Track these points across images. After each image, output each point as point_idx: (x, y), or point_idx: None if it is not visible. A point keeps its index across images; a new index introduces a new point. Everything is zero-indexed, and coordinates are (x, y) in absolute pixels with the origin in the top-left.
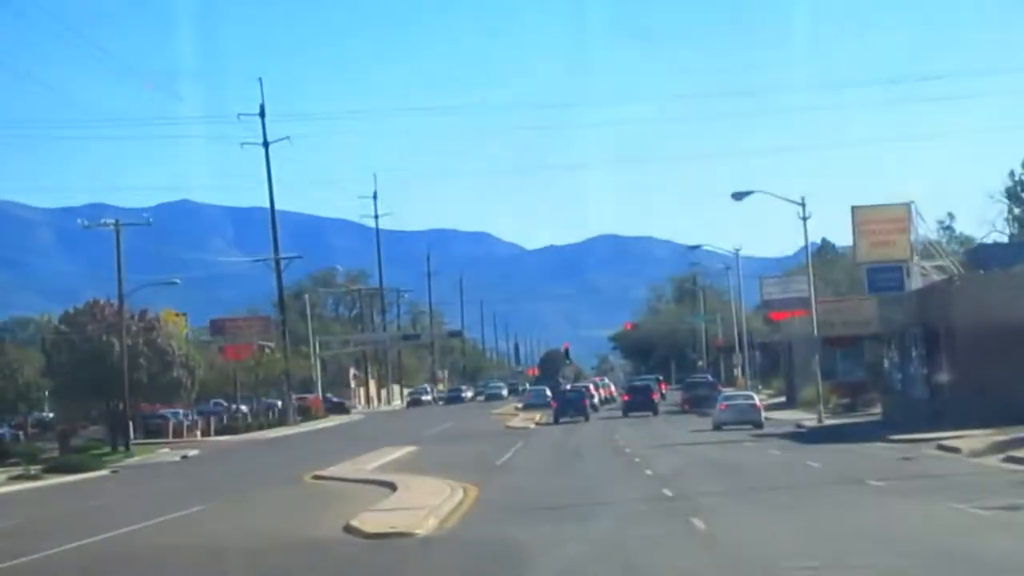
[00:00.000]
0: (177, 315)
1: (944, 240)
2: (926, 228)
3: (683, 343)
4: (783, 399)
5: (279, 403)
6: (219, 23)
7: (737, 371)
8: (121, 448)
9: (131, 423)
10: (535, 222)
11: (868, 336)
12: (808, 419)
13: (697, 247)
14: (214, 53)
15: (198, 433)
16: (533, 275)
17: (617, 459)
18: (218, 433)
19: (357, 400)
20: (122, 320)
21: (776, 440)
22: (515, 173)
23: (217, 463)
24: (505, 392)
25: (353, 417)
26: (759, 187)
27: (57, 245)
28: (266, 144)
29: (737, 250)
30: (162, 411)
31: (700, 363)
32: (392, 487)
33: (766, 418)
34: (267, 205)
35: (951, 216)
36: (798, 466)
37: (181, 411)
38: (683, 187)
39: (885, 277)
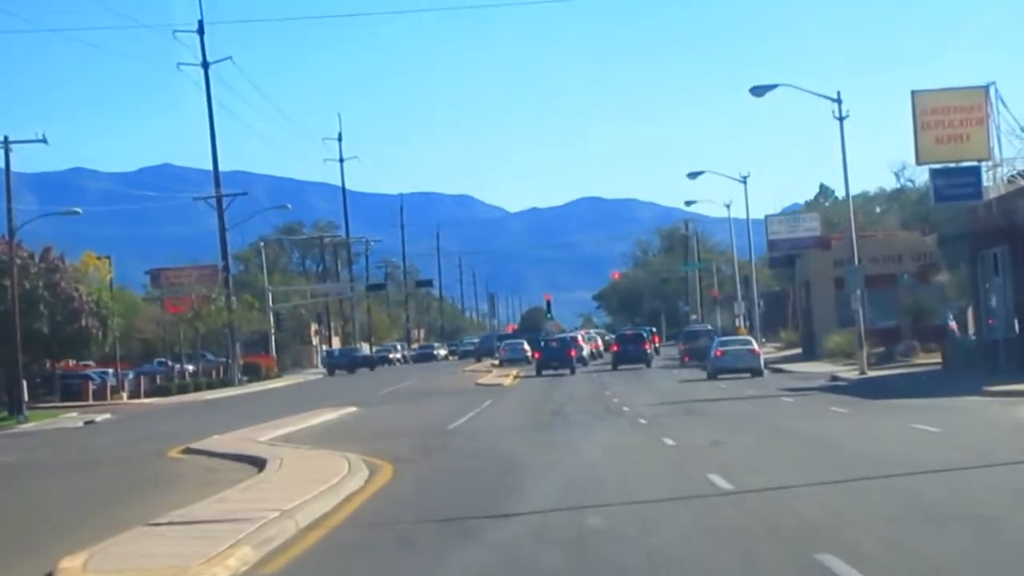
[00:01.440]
0: (99, 258)
1: None
2: (1011, 118)
3: (674, 295)
4: (798, 351)
5: (228, 361)
6: None
7: (738, 321)
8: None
9: (34, 383)
10: (518, 185)
11: (902, 275)
12: (843, 371)
13: (698, 173)
14: None
15: (124, 395)
16: (516, 238)
17: (616, 422)
18: (149, 395)
19: (318, 359)
20: (11, 257)
21: (817, 395)
22: (499, 135)
23: (112, 429)
24: None
25: (309, 377)
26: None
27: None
28: (205, 65)
29: (745, 177)
30: (87, 371)
31: (693, 316)
32: (262, 466)
33: (783, 370)
34: (249, 169)
35: None
36: (912, 434)
37: (111, 371)
38: (665, 150)
39: (956, 183)
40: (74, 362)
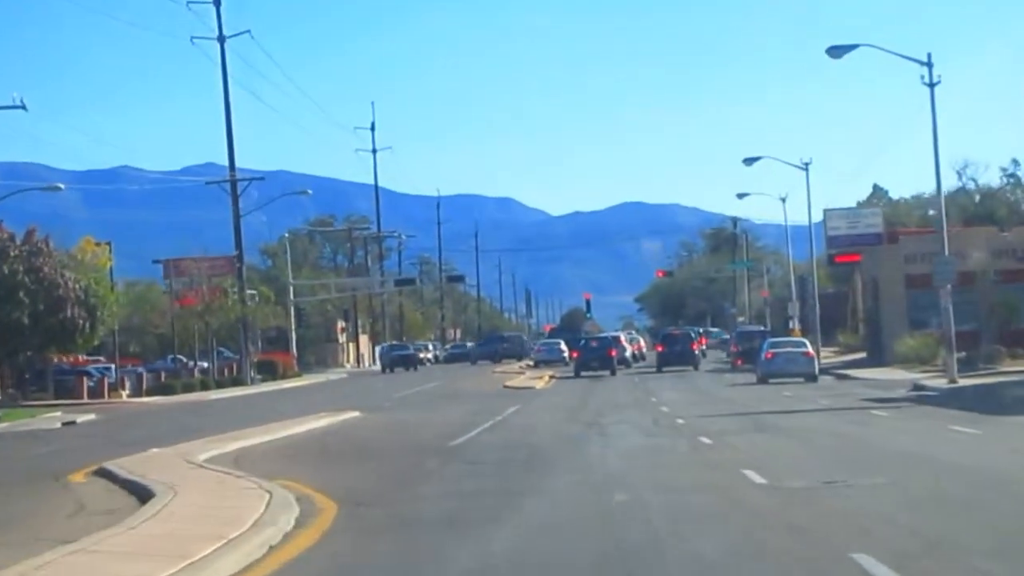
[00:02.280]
0: (99, 244)
1: None
2: None
3: (719, 297)
4: (858, 355)
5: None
6: None
7: (793, 323)
8: None
9: (22, 378)
10: (562, 189)
11: (986, 272)
12: (924, 378)
13: (756, 159)
14: None
15: (124, 393)
16: (558, 241)
17: (670, 441)
18: (152, 393)
19: (345, 358)
20: None
21: (913, 408)
22: (542, 139)
23: (76, 434)
24: None
25: (332, 376)
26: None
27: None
28: (222, 39)
29: (807, 163)
30: (87, 366)
31: (741, 318)
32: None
33: (850, 376)
34: (291, 168)
35: None
36: None
37: (113, 367)
38: (709, 155)
39: None
40: (82, 356)
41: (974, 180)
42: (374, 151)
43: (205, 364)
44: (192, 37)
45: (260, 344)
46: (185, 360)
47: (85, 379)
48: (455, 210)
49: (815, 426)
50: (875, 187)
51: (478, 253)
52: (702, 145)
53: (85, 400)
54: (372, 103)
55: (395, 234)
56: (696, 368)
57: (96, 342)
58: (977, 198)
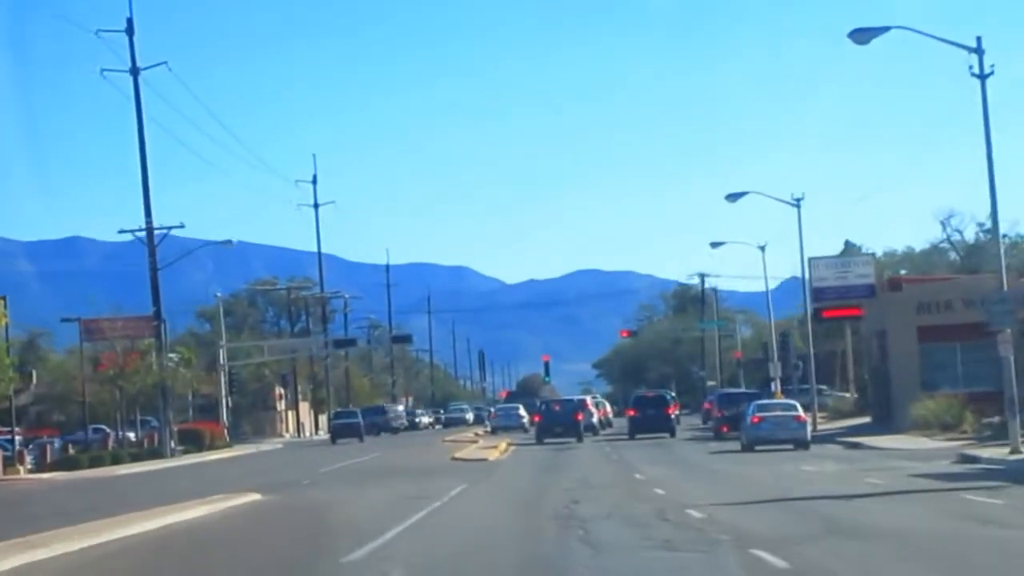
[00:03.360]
0: None
1: None
2: None
3: (685, 360)
4: (859, 420)
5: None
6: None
7: (775, 385)
8: None
9: None
10: (516, 257)
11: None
12: (964, 447)
13: (740, 194)
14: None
15: (22, 468)
16: (513, 309)
17: (708, 557)
18: (55, 468)
19: (284, 427)
20: None
21: (1014, 490)
22: (495, 208)
23: None
24: (470, 416)
25: (265, 447)
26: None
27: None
28: (135, 72)
29: (799, 199)
30: None
31: (711, 382)
32: None
33: (864, 445)
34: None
35: None
36: None
37: (19, 439)
38: (662, 222)
39: None
40: None
41: (959, 231)
42: (316, 205)
43: (132, 435)
44: (103, 69)
45: (191, 412)
46: (107, 430)
47: None
48: (409, 278)
49: (916, 527)
50: (847, 243)
51: (431, 318)
52: (657, 213)
53: None
54: (313, 155)
55: (340, 294)
56: (673, 435)
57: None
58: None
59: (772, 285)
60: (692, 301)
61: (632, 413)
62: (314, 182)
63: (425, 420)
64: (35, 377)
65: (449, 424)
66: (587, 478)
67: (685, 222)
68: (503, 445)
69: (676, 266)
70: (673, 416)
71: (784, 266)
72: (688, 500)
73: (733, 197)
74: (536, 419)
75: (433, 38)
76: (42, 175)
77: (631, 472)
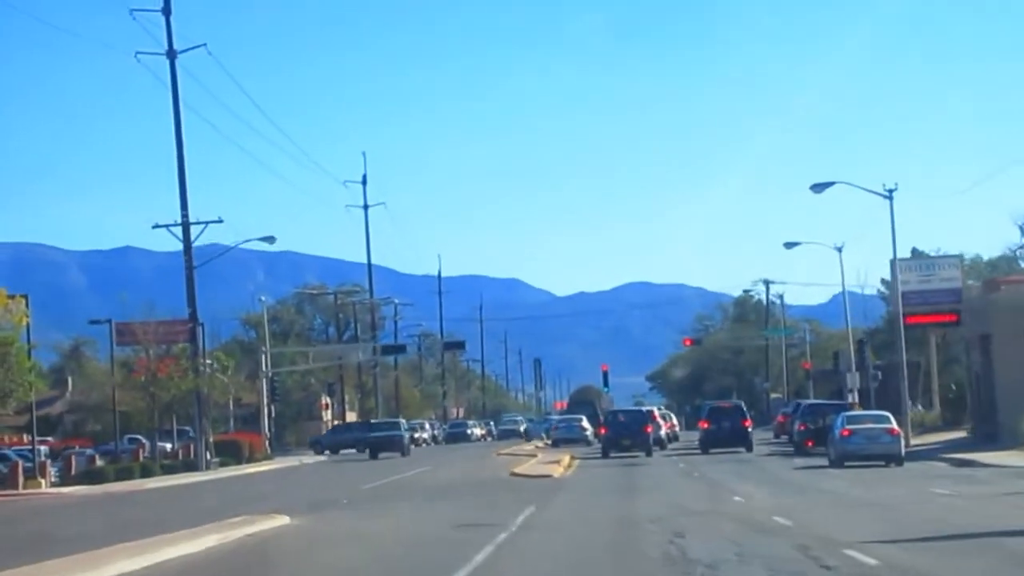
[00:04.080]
0: (11, 297)
1: None
2: None
3: (747, 371)
4: (957, 434)
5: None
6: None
7: (851, 397)
8: None
9: None
10: (567, 269)
11: None
12: None
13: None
14: None
15: (45, 481)
16: (563, 321)
17: None
18: (80, 481)
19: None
20: None
21: None
22: (547, 220)
23: None
24: (523, 428)
25: (307, 460)
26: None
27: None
28: (171, 55)
29: (891, 190)
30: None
31: (776, 394)
32: None
33: (979, 462)
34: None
35: None
36: None
37: (43, 449)
38: (714, 234)
39: None
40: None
41: None
42: (365, 206)
43: (169, 446)
44: (137, 52)
45: (232, 423)
46: (143, 440)
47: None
48: (460, 290)
49: None
50: (913, 251)
51: (483, 327)
52: (708, 225)
53: None
54: (363, 154)
55: (390, 300)
56: (749, 449)
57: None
58: None
59: (825, 297)
60: (753, 310)
61: (705, 425)
62: (364, 182)
63: (477, 431)
64: (71, 384)
65: (503, 436)
66: (677, 501)
67: (738, 234)
68: (566, 459)
69: (726, 278)
70: (750, 429)
71: (847, 274)
72: (830, 534)
73: (819, 187)
74: (602, 431)
75: (489, 48)
76: (92, 185)
77: (725, 493)
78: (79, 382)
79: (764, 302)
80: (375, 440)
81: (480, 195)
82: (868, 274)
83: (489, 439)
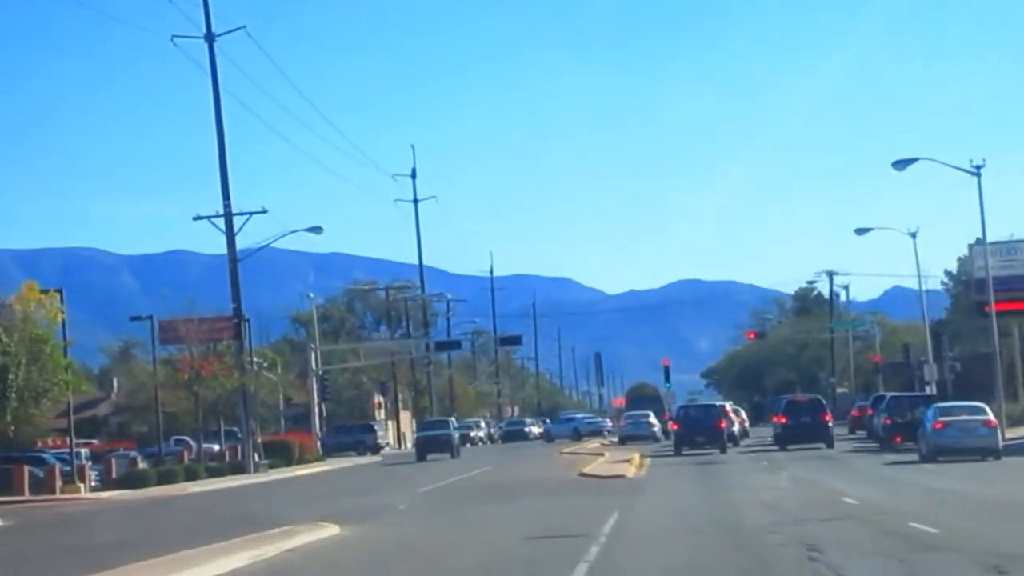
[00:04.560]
0: (45, 292)
1: None
2: None
3: (812, 365)
4: None
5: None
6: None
7: (929, 390)
8: None
9: None
10: (616, 267)
11: None
12: None
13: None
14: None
15: (84, 486)
16: (614, 320)
17: None
18: (120, 485)
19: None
20: None
21: None
22: (596, 218)
23: None
24: (540, 430)
25: (361, 460)
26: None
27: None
28: (209, 38)
29: (979, 167)
30: (43, 451)
31: (842, 389)
32: None
33: None
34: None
35: None
36: None
37: (85, 452)
38: (765, 230)
39: None
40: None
41: None
42: (415, 200)
43: (216, 447)
44: (173, 36)
45: (282, 423)
46: (190, 442)
47: (27, 468)
48: (510, 289)
49: None
50: (978, 240)
51: (536, 323)
52: (758, 222)
53: (24, 496)
54: (412, 147)
55: (443, 296)
56: (831, 445)
57: (9, 421)
58: None
59: (876, 292)
60: (814, 303)
61: (782, 420)
62: (413, 176)
63: (535, 430)
64: (116, 385)
65: (559, 436)
66: (780, 504)
67: (789, 232)
68: (637, 458)
69: (777, 274)
70: (831, 424)
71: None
72: (999, 546)
73: (901, 164)
74: (674, 427)
75: (540, 49)
76: (143, 187)
77: (829, 493)
78: (125, 383)
79: (826, 295)
80: (423, 440)
81: (528, 193)
82: (930, 266)
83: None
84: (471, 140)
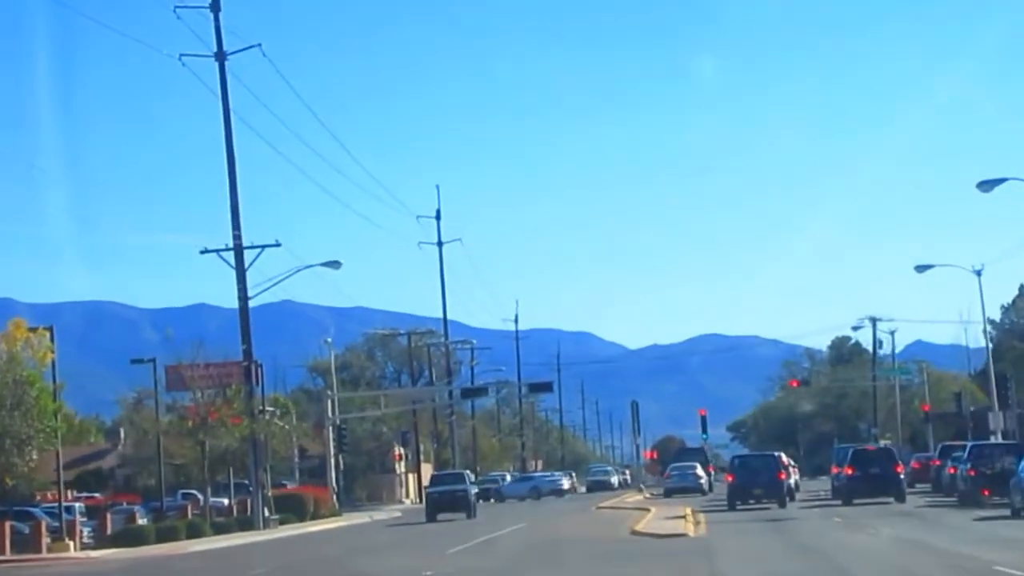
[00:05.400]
0: (33, 330)
1: None
2: None
3: (851, 416)
4: None
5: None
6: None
7: (994, 439)
8: None
9: None
10: (638, 321)
11: None
12: None
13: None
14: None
15: (73, 544)
16: (636, 374)
17: None
18: (116, 542)
19: (404, 492)
20: None
21: None
22: (617, 273)
23: None
24: (614, 480)
25: (380, 515)
26: None
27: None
28: (220, 57)
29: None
30: (36, 505)
31: (886, 440)
32: None
33: None
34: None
35: None
36: None
37: (79, 506)
38: (786, 285)
39: None
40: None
41: None
42: (440, 243)
43: (225, 501)
44: (181, 55)
45: (297, 475)
46: (198, 495)
47: (9, 524)
48: (532, 343)
49: None
50: (1021, 287)
51: (560, 374)
52: (781, 276)
53: (5, 556)
54: (437, 187)
55: (467, 343)
56: (902, 500)
57: None
58: None
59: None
60: (852, 353)
61: (850, 472)
62: (438, 217)
63: (565, 484)
64: (123, 436)
65: (592, 489)
66: (911, 570)
67: (811, 285)
68: (689, 513)
69: (799, 328)
70: (903, 476)
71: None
72: None
73: (987, 185)
74: (728, 479)
75: (561, 100)
76: (166, 243)
77: (971, 562)
78: (131, 432)
79: (868, 343)
80: (434, 497)
81: (549, 248)
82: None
83: (580, 491)
84: (486, 192)
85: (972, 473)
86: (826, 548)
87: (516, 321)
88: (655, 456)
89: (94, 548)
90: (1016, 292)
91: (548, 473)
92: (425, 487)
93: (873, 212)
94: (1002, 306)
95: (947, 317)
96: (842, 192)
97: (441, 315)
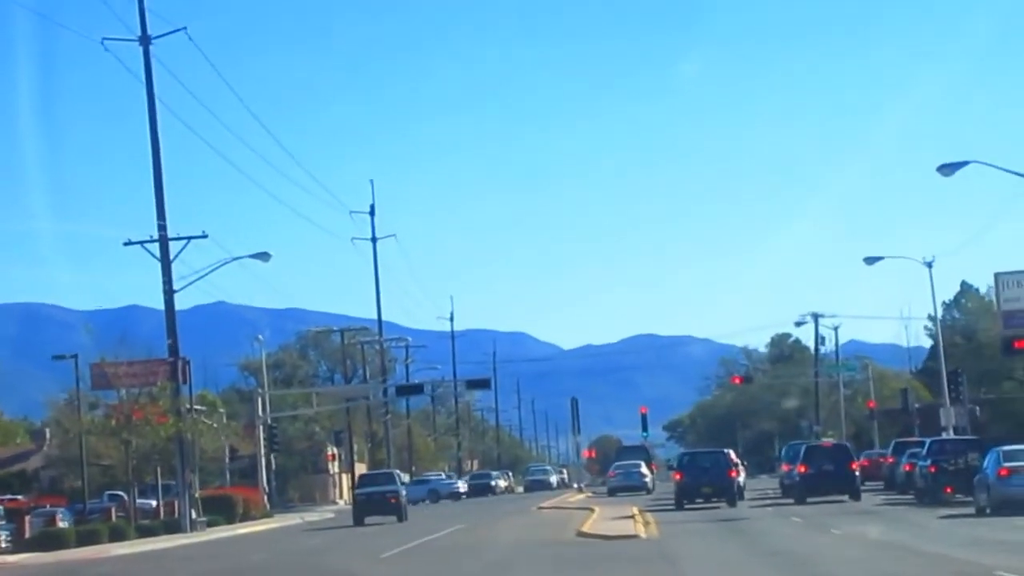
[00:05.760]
0: None
1: None
2: None
3: (790, 416)
4: None
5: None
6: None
7: (947, 435)
8: None
9: None
10: (572, 322)
11: None
12: None
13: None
14: None
15: None
16: (571, 374)
17: None
18: (34, 546)
19: (337, 493)
20: None
21: None
22: (551, 273)
23: None
24: (553, 480)
25: (312, 516)
26: None
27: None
28: (144, 40)
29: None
30: None
31: (827, 436)
32: None
33: None
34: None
35: None
36: None
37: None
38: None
39: None
40: None
41: None
42: (374, 239)
43: (153, 502)
44: (104, 38)
45: (228, 477)
46: (125, 497)
47: None
48: (467, 344)
49: None
50: (963, 285)
51: (496, 374)
52: (713, 275)
53: None
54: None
55: (402, 340)
56: (857, 498)
57: None
58: None
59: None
60: (792, 350)
61: (803, 470)
62: (372, 213)
63: (501, 484)
64: (48, 436)
65: (531, 489)
66: None
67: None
68: (636, 512)
69: (729, 326)
70: (858, 473)
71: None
72: None
73: (949, 168)
74: (676, 477)
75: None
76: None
77: (971, 567)
78: (57, 433)
79: (809, 340)
80: (362, 499)
81: (484, 248)
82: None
83: (518, 491)
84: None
85: (933, 470)
86: (799, 552)
87: (452, 318)
88: (594, 455)
89: (11, 552)
90: (958, 288)
91: (443, 475)
92: (352, 488)
93: (836, 212)
94: (943, 303)
95: (889, 314)
96: (804, 193)
97: (376, 315)
